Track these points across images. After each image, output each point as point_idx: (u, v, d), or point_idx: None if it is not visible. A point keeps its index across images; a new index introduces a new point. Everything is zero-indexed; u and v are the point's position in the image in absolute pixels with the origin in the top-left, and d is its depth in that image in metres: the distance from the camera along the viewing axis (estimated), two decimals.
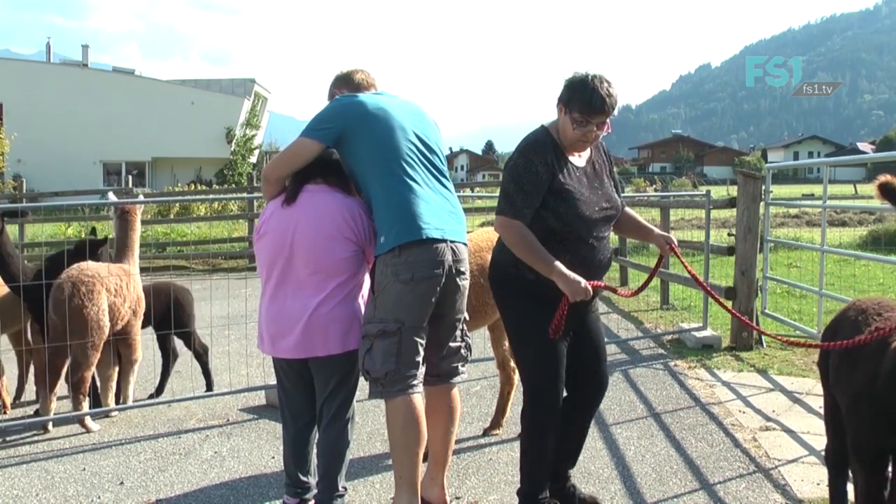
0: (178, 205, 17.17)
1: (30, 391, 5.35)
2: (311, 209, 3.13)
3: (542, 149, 3.05)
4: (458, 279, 3.16)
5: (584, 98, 2.93)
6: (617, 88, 3.00)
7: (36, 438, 4.59)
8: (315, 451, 3.35)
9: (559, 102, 3.04)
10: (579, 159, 3.12)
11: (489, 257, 3.39)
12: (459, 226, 3.19)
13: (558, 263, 2.96)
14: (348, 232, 3.13)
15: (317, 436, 3.33)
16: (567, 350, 3.19)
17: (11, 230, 14.92)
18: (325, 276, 3.12)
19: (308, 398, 3.31)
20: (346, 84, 3.48)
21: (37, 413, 4.84)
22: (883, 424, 2.53)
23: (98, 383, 4.98)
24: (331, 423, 3.23)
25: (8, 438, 4.56)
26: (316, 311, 3.10)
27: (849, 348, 2.65)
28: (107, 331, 4.66)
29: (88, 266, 4.74)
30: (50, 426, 4.67)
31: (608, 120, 3.01)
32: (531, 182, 3.00)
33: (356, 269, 3.19)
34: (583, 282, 2.96)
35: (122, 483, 3.91)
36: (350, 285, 3.19)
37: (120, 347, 4.96)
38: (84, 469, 4.10)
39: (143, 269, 5.58)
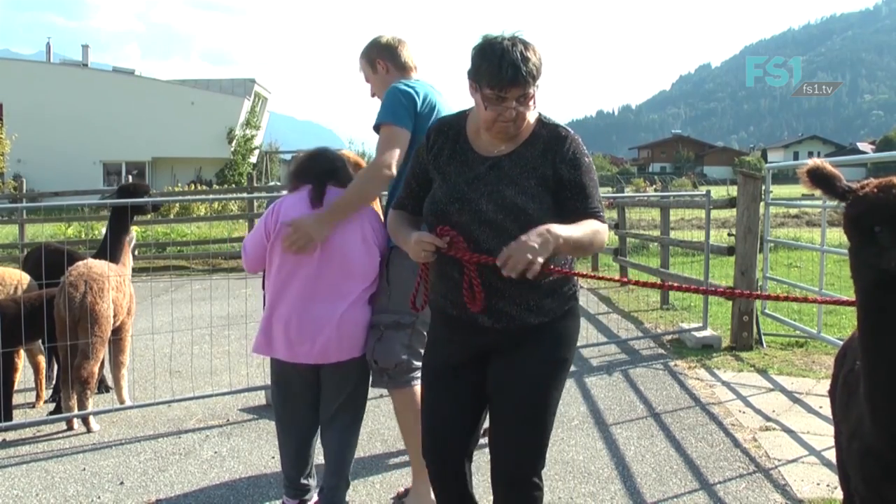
0: (178, 205, 17.16)
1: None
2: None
3: (435, 130, 2.55)
4: None
5: (492, 68, 2.27)
6: (539, 51, 2.32)
7: (36, 438, 4.60)
8: (314, 451, 3.35)
9: (468, 77, 2.38)
10: (492, 147, 2.43)
11: None
12: None
13: (412, 232, 2.45)
14: (374, 238, 3.16)
15: (317, 438, 3.32)
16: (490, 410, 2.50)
17: (11, 230, 15.01)
18: (357, 281, 3.13)
19: (314, 404, 3.27)
20: (392, 58, 3.46)
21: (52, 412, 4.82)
22: (874, 470, 2.00)
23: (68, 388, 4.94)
24: (349, 426, 3.25)
25: (8, 438, 4.57)
26: (346, 315, 3.09)
27: (846, 378, 2.25)
28: (111, 325, 4.81)
29: (95, 263, 4.89)
30: (75, 423, 4.70)
31: (532, 92, 2.31)
32: (412, 167, 2.60)
33: (377, 273, 3.21)
34: (416, 235, 2.38)
35: (122, 483, 3.91)
36: (373, 289, 3.21)
37: (112, 349, 5.01)
38: (84, 469, 4.10)
39: (143, 270, 5.58)
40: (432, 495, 2.76)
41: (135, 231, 5.62)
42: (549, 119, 2.47)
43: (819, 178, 2.01)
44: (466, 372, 2.48)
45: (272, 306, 3.16)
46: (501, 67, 2.25)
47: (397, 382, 3.13)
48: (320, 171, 3.19)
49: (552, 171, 2.36)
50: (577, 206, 2.35)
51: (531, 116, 2.39)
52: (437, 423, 2.54)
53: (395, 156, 3.09)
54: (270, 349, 3.17)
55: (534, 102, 2.34)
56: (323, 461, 3.33)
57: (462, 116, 2.53)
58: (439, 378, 2.53)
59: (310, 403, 3.27)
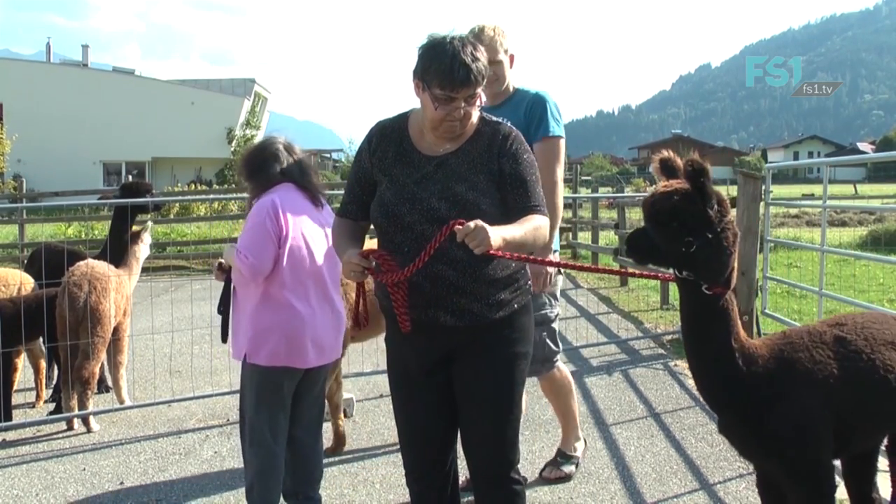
0: (178, 205, 17.16)
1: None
2: (328, 214, 3.18)
3: (377, 133, 2.51)
4: None
5: (443, 68, 2.27)
6: (482, 52, 2.36)
7: (36, 438, 4.60)
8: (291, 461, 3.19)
9: (414, 77, 2.38)
10: (436, 147, 2.43)
11: None
12: None
13: (350, 251, 2.39)
14: None
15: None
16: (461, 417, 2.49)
17: (11, 230, 15.02)
18: (339, 280, 3.19)
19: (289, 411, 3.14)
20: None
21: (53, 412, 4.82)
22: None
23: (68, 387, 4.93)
24: (318, 425, 3.26)
25: (8, 438, 4.57)
26: (340, 314, 3.18)
27: None
28: (113, 325, 4.82)
29: (96, 264, 4.93)
30: (75, 423, 4.70)
31: (479, 91, 2.35)
32: (354, 172, 2.55)
33: None
34: (345, 256, 2.35)
35: (122, 483, 3.91)
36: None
37: (110, 349, 5.01)
38: (84, 469, 4.10)
39: (143, 269, 5.58)
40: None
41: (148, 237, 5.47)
42: (491, 117, 2.51)
43: (667, 169, 2.38)
44: (435, 377, 2.46)
45: (288, 313, 2.96)
46: (454, 68, 2.27)
47: (550, 367, 3.63)
48: (300, 169, 3.19)
49: (497, 166, 2.39)
50: (517, 199, 2.39)
51: (474, 116, 2.42)
52: (417, 436, 2.52)
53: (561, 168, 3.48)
54: (289, 357, 2.96)
55: (479, 102, 2.38)
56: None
57: (403, 118, 2.53)
58: (411, 387, 2.50)
59: (288, 411, 3.11)
